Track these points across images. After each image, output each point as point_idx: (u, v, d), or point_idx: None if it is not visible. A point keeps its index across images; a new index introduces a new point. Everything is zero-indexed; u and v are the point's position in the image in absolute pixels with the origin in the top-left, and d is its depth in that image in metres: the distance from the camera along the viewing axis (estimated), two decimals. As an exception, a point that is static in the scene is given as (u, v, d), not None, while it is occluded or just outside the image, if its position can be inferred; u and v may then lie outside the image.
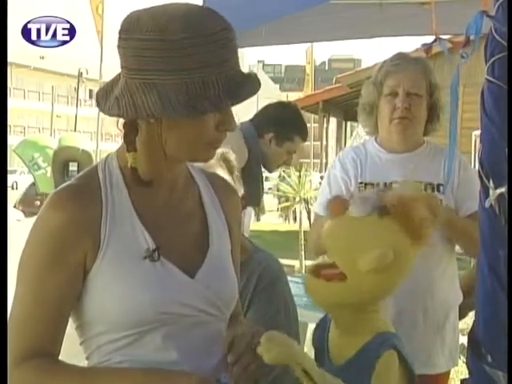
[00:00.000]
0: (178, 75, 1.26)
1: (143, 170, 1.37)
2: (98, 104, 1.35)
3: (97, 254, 1.33)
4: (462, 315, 2.59)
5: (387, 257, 1.37)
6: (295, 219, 15.88)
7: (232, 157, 2.01)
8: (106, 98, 1.33)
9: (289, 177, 12.14)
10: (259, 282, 2.00)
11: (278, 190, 13.53)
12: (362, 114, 2.59)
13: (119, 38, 1.31)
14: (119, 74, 1.34)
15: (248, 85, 1.30)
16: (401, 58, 2.52)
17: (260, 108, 3.47)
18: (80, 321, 1.38)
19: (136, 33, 1.27)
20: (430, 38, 2.75)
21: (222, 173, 1.92)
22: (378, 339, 1.44)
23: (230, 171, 1.97)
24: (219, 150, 1.95)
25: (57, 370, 1.33)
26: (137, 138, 1.35)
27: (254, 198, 3.10)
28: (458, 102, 2.13)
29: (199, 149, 1.35)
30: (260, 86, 1.34)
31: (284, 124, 3.20)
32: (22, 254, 1.35)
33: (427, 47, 2.67)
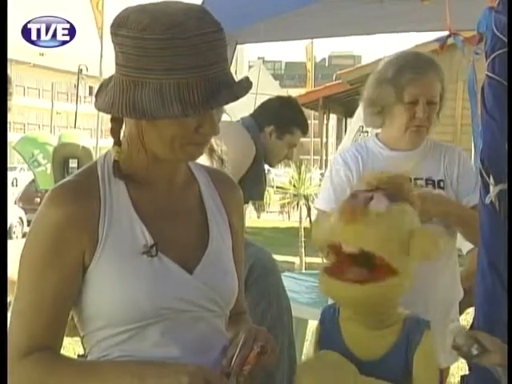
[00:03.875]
0: (156, 75, 1.26)
1: (125, 164, 1.38)
2: (96, 95, 1.37)
3: (95, 251, 1.33)
4: (460, 312, 2.58)
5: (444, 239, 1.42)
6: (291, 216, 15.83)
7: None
8: (101, 91, 1.36)
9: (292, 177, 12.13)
10: (249, 277, 2.00)
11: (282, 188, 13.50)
12: (371, 115, 2.53)
13: (110, 32, 1.32)
14: None
15: (231, 90, 1.28)
16: (421, 60, 2.45)
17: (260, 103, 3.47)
18: (80, 315, 1.39)
19: (123, 30, 1.29)
20: (429, 35, 2.75)
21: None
22: (412, 321, 1.54)
23: (210, 154, 1.96)
24: None
25: (56, 363, 1.34)
26: (122, 132, 1.37)
27: (256, 192, 3.10)
28: (476, 99, 2.12)
29: (179, 149, 1.34)
30: (248, 91, 1.31)
31: (284, 117, 3.20)
32: (22, 250, 1.35)
33: (442, 42, 2.65)
